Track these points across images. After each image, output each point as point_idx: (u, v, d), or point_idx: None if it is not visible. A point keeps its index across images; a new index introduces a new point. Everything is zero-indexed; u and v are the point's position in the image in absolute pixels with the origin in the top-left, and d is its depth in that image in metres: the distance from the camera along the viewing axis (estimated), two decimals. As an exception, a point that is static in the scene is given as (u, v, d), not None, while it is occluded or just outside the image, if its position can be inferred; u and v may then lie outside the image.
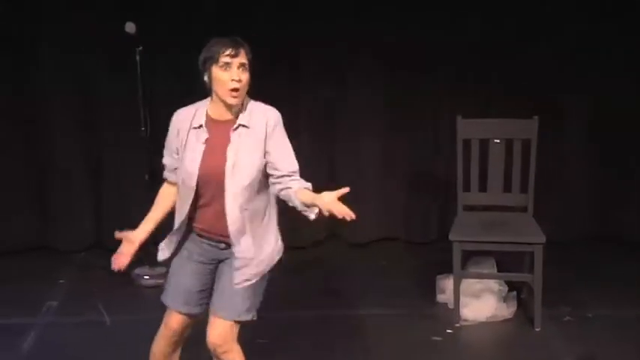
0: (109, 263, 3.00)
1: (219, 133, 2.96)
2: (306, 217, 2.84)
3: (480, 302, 4.31)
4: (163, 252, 3.12)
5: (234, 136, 2.95)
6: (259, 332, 3.97)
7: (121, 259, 3.06)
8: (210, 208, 2.98)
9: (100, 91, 5.12)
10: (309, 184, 2.94)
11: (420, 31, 5.11)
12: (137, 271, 4.74)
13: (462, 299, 4.27)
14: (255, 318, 3.03)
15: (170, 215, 3.10)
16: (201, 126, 2.97)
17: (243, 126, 2.95)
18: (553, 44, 5.13)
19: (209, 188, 2.95)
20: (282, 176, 2.94)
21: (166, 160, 3.10)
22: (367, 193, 5.26)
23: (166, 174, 3.14)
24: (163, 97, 5.08)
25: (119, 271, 3.07)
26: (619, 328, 4.19)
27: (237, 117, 2.96)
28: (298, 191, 2.88)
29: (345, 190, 2.76)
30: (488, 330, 4.24)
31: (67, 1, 4.97)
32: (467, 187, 4.48)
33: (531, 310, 4.23)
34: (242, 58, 2.90)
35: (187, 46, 5.00)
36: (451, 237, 4.19)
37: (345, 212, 2.71)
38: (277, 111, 3.01)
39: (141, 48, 4.53)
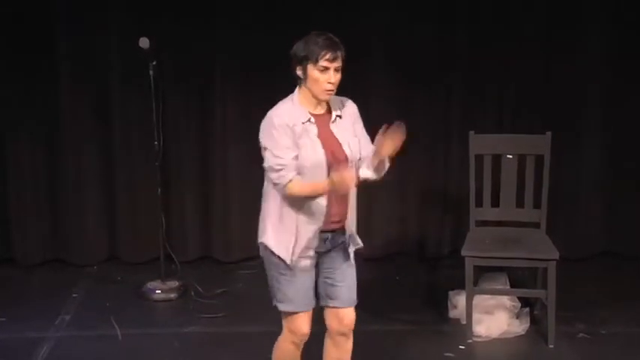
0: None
1: (322, 125, 3.05)
2: None
3: (492, 318, 4.29)
4: None
5: (333, 127, 3.07)
6: (270, 348, 3.97)
7: None
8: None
9: (114, 106, 5.15)
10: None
11: (432, 45, 5.11)
12: (149, 285, 4.75)
13: (475, 315, 4.25)
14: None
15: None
16: (309, 120, 3.02)
17: (339, 117, 3.09)
18: (567, 59, 5.12)
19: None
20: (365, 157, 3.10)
21: (286, 159, 2.96)
22: (379, 207, 5.25)
23: (289, 174, 2.98)
24: (177, 112, 5.13)
25: None
26: (633, 346, 4.15)
27: (329, 109, 3.09)
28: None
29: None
30: (500, 346, 4.21)
31: (81, 16, 5.02)
32: (479, 203, 4.47)
33: (544, 327, 4.20)
34: (339, 62, 2.98)
35: (201, 62, 5.13)
36: (463, 252, 4.18)
37: (393, 145, 3.04)
38: None
39: (155, 63, 4.57)
